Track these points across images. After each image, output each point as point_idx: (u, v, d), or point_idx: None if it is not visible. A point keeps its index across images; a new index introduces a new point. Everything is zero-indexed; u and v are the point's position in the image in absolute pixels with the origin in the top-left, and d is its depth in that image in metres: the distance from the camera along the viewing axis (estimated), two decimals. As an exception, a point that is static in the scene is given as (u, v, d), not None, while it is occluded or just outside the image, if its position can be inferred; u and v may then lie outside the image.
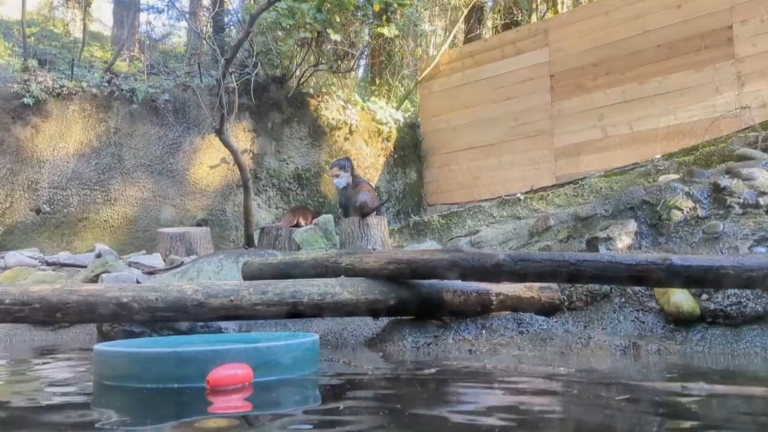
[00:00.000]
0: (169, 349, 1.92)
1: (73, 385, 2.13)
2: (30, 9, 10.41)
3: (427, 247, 4.33)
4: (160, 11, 10.84)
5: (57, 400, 1.84)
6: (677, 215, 3.48)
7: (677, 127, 6.44)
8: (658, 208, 3.56)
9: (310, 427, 1.45)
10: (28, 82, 6.43)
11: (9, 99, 6.30)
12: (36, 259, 5.35)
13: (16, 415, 1.64)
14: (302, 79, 7.89)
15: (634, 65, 6.84)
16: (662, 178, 4.23)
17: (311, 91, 8.11)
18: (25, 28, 7.65)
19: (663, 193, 3.63)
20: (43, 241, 6.25)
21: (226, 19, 9.19)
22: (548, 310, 3.12)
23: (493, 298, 2.99)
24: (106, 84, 6.85)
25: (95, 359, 2.02)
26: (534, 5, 10.65)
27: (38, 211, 6.33)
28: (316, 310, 2.80)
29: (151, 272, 4.65)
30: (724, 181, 3.55)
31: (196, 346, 2.07)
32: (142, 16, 11.44)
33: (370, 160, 8.38)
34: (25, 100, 6.24)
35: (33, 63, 6.82)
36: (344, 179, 5.43)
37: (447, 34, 10.25)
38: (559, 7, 10.38)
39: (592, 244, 3.43)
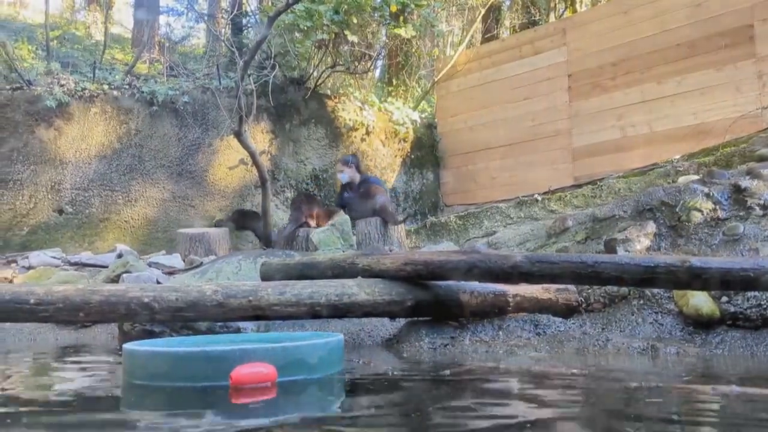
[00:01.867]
0: (201, 349, 1.95)
1: (100, 382, 2.17)
2: (52, 12, 10.57)
3: (444, 249, 4.34)
4: (179, 13, 10.95)
5: (86, 396, 1.88)
6: (697, 217, 3.45)
7: (697, 127, 6.38)
8: (677, 210, 3.53)
9: (338, 428, 1.47)
10: (51, 85, 6.54)
11: (32, 101, 6.41)
12: (59, 259, 5.44)
13: (45, 411, 1.68)
14: (319, 81, 7.93)
15: (653, 64, 6.78)
16: (682, 179, 4.19)
17: (328, 92, 8.14)
18: (48, 32, 7.78)
19: (682, 194, 3.60)
20: (65, 241, 6.35)
21: (244, 21, 9.26)
22: (565, 311, 3.11)
23: (510, 299, 3.00)
24: (127, 86, 6.94)
25: (126, 358, 2.05)
26: (552, 4, 10.60)
27: (61, 212, 6.44)
28: (334, 310, 2.82)
29: (171, 272, 4.71)
30: (745, 182, 3.52)
31: (224, 346, 2.10)
32: (162, 19, 11.57)
33: (387, 161, 8.40)
34: (48, 102, 6.35)
35: (56, 66, 6.94)
36: (347, 174, 5.62)
37: (464, 34, 10.23)
38: (577, 6, 10.32)
39: (610, 246, 3.41)
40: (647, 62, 6.82)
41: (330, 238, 5.18)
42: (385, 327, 3.24)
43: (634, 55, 6.93)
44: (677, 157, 5.85)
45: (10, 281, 4.70)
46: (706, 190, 3.56)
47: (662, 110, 6.69)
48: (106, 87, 6.83)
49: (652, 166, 5.77)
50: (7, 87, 6.43)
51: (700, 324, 2.76)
